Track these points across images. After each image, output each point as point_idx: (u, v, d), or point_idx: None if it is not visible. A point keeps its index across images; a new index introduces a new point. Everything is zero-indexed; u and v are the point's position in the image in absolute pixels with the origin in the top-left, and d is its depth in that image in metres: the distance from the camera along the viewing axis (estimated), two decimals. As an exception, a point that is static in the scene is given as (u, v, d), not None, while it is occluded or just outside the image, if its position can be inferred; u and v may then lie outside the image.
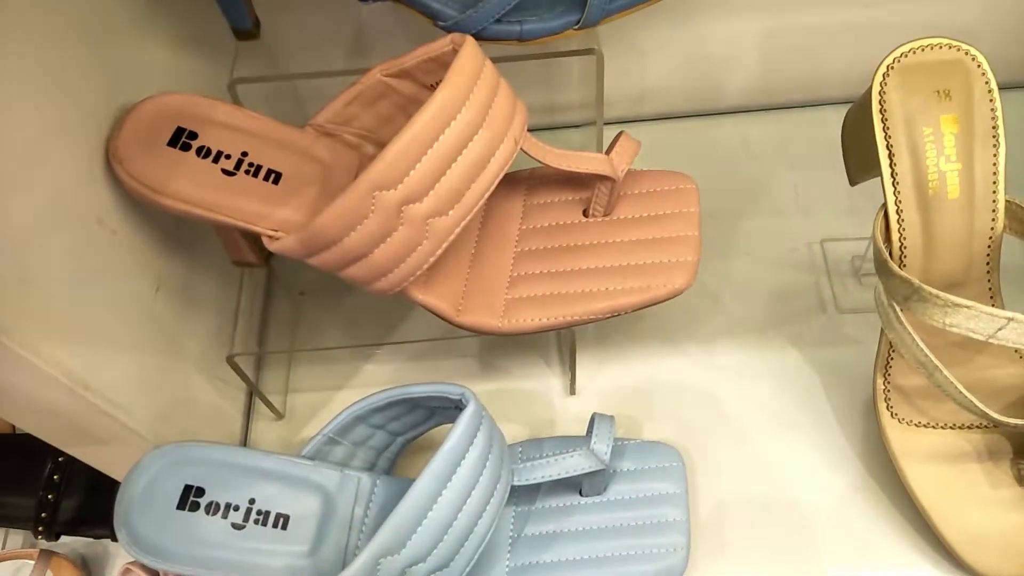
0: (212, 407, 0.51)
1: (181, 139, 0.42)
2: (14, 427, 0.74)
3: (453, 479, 0.36)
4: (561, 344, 0.55)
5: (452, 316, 0.43)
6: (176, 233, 0.46)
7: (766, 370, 0.53)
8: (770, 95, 0.64)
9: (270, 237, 0.41)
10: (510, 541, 0.43)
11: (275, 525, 0.41)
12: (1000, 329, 0.39)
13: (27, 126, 0.34)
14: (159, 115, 0.42)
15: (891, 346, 0.46)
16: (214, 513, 0.40)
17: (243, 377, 0.48)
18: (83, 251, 0.38)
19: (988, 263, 0.45)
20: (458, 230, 0.40)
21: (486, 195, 0.40)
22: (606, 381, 0.54)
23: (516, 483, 0.41)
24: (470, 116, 0.38)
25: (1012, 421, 0.41)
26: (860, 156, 0.47)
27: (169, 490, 0.40)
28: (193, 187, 0.42)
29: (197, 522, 0.40)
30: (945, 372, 0.41)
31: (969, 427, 0.45)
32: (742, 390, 0.53)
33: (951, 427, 0.46)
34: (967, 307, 0.39)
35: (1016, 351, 0.46)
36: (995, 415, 0.41)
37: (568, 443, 0.45)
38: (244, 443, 0.54)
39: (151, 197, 0.40)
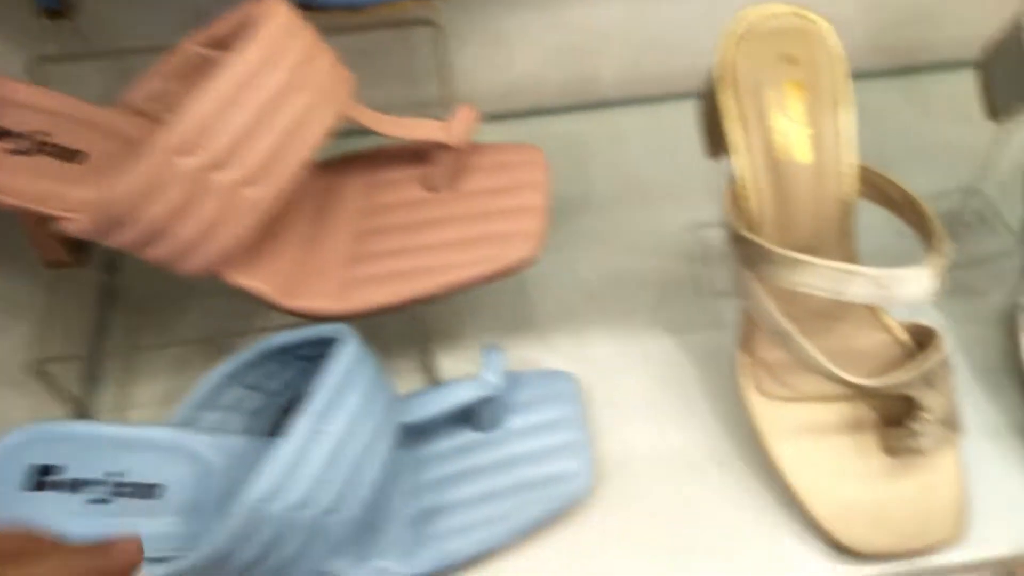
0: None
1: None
2: None
3: (335, 417, 0.34)
4: (416, 340, 0.51)
5: (280, 300, 0.40)
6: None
7: (636, 359, 0.51)
8: (643, 85, 0.63)
9: (67, 219, 0.37)
10: (410, 486, 0.42)
11: (145, 496, 0.39)
12: (848, 285, 0.37)
13: None
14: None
15: (752, 319, 0.44)
16: (68, 490, 0.38)
17: (57, 390, 0.43)
18: None
19: (843, 228, 0.44)
20: (273, 203, 0.36)
21: (303, 164, 0.37)
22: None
23: (408, 420, 0.39)
24: (280, 78, 0.35)
25: (868, 382, 0.39)
26: (716, 131, 0.46)
27: (12, 473, 0.38)
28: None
29: (44, 502, 0.38)
30: (799, 339, 0.40)
31: (834, 398, 0.44)
32: (610, 381, 0.50)
33: (816, 399, 0.44)
34: (811, 263, 0.37)
35: (876, 317, 0.45)
36: (850, 377, 0.39)
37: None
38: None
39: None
